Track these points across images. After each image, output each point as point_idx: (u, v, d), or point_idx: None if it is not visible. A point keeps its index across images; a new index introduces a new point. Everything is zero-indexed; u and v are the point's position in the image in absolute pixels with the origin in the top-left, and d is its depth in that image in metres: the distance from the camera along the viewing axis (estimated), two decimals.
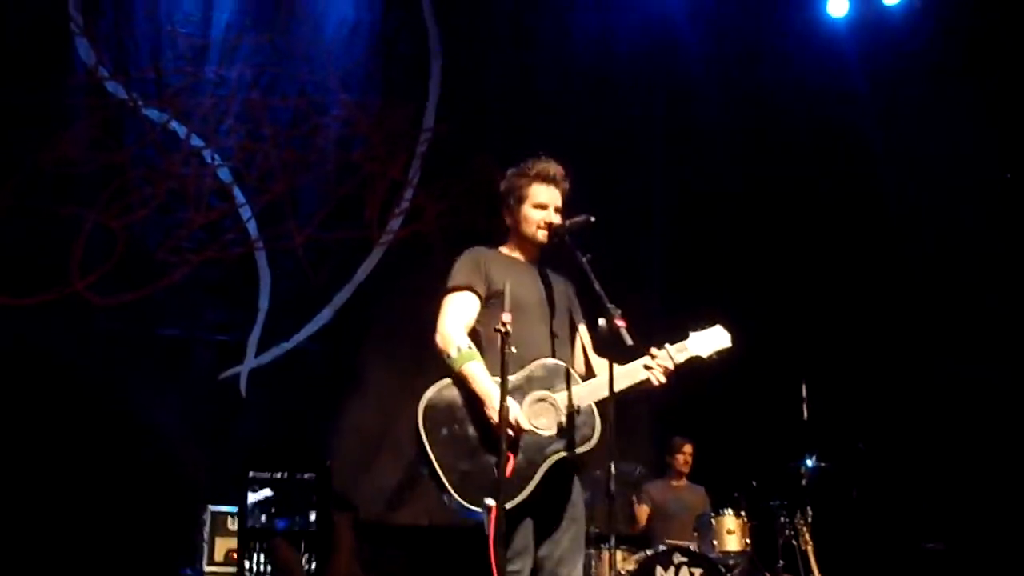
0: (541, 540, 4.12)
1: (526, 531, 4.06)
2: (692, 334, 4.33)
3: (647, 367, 4.18)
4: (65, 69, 7.78)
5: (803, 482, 7.14)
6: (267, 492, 6.67)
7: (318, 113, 8.32)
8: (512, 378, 4.02)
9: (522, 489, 3.96)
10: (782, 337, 8.29)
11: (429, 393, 4.05)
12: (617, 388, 4.04)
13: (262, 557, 6.49)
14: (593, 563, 6.85)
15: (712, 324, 4.38)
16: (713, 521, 7.34)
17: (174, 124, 8.03)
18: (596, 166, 8.01)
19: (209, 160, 8.11)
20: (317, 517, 6.57)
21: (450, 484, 3.92)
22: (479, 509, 3.85)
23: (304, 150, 8.29)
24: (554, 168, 4.40)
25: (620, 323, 3.92)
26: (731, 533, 7.26)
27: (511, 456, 3.90)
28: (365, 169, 8.42)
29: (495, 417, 3.87)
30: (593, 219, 4.31)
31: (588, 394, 4.12)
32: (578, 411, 4.09)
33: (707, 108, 8.72)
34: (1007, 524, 7.50)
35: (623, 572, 6.98)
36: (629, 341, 3.91)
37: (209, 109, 8.12)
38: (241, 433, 7.66)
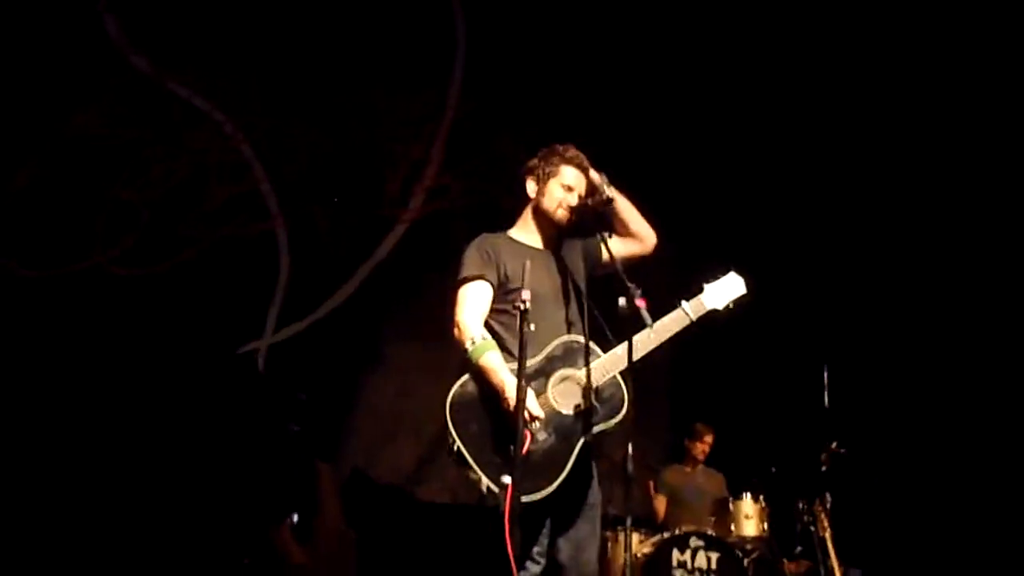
0: (561, 523, 4.15)
1: (547, 515, 4.10)
2: (706, 286, 4.34)
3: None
4: (90, 44, 7.78)
5: (822, 468, 7.10)
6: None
7: (340, 91, 8.29)
8: (532, 361, 4.05)
9: (559, 472, 3.98)
10: (804, 322, 8.23)
11: (452, 391, 4.07)
12: (660, 340, 4.10)
13: None
14: (609, 545, 6.84)
15: (725, 272, 4.39)
16: (731, 506, 7.32)
17: (197, 99, 8.03)
18: (617, 142, 7.95)
19: (232, 135, 8.10)
20: (300, 470, 6.58)
21: (489, 478, 3.94)
22: (524, 497, 3.83)
23: (326, 128, 8.28)
24: (583, 157, 4.44)
25: (640, 303, 3.91)
26: (748, 518, 7.23)
27: (528, 434, 3.91)
28: (387, 148, 8.41)
29: (510, 407, 3.90)
30: (613, 199, 4.33)
31: (612, 365, 4.11)
32: (603, 385, 4.09)
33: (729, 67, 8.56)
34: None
35: (639, 555, 6.96)
36: (649, 321, 3.91)
37: (232, 85, 8.10)
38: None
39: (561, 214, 4.35)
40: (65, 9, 7.67)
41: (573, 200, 4.36)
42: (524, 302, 3.87)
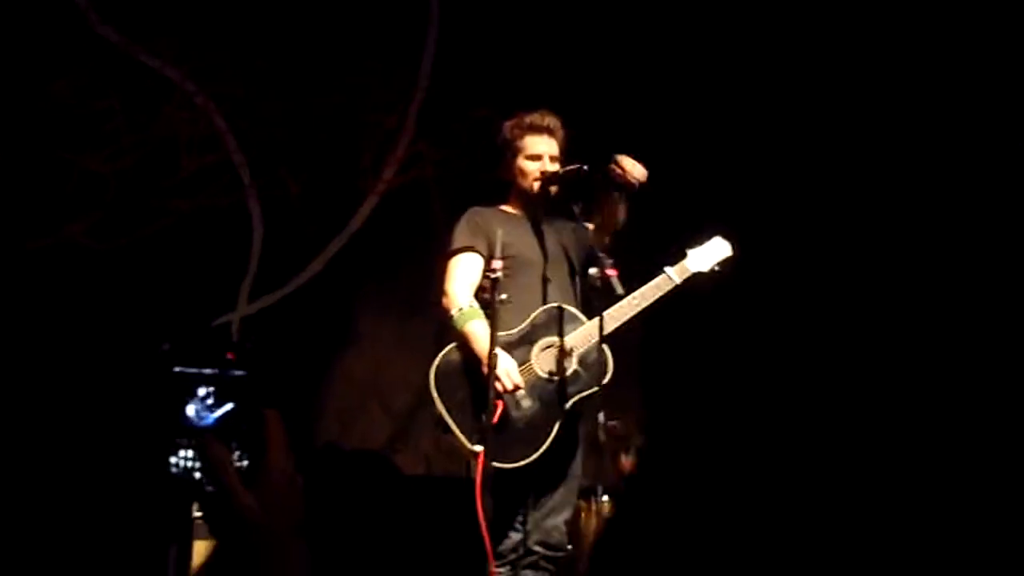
0: (538, 490, 4.20)
1: (530, 483, 4.15)
2: (690, 252, 4.36)
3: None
4: (57, 12, 7.67)
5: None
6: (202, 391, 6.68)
7: (313, 61, 8.21)
8: (516, 329, 4.12)
9: (544, 439, 4.02)
10: (786, 305, 8.20)
11: (437, 360, 4.11)
12: (644, 304, 4.16)
13: (190, 454, 6.52)
14: (582, 515, 6.86)
15: (709, 237, 4.43)
16: None
17: (168, 69, 7.94)
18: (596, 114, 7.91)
19: (203, 106, 8.03)
20: (247, 414, 6.57)
21: (472, 445, 3.97)
22: (508, 465, 3.92)
23: (299, 99, 8.22)
24: (548, 118, 4.42)
25: (611, 272, 3.95)
26: None
27: (500, 404, 3.94)
28: (360, 118, 8.35)
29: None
30: (586, 168, 4.32)
31: (595, 331, 4.10)
32: (587, 351, 4.11)
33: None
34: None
35: None
36: (620, 290, 3.95)
37: (204, 55, 8.02)
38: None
39: (537, 186, 4.34)
40: None
41: (547, 166, 4.34)
42: (495, 271, 3.91)
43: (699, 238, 4.42)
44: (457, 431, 4.00)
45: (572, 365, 4.09)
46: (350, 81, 8.33)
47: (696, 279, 4.33)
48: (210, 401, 6.96)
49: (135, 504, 6.37)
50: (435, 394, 4.05)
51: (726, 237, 4.45)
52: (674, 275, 4.28)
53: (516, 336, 4.11)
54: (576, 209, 4.22)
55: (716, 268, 4.38)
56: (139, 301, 7.56)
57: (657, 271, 4.29)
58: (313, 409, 7.99)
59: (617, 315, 4.12)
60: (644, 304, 4.18)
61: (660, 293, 4.25)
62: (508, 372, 3.98)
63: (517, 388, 3.99)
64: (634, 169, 4.16)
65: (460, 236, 4.31)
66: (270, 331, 8.01)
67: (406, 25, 8.49)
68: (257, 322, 8.06)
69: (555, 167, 4.34)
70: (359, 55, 8.31)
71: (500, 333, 4.02)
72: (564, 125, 4.43)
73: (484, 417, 3.79)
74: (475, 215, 4.36)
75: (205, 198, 7.94)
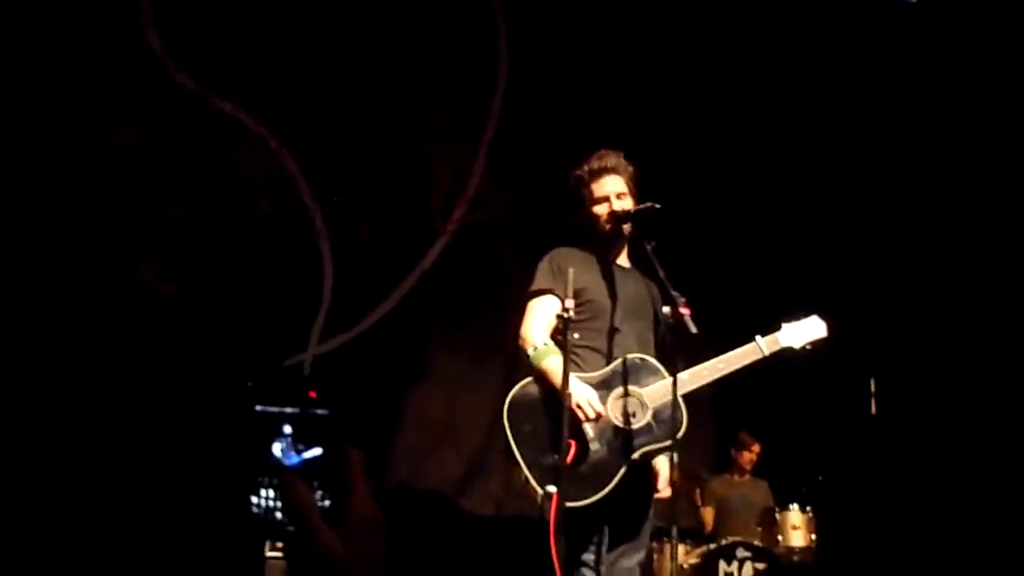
0: (611, 530, 4.14)
1: (600, 524, 4.10)
2: (785, 325, 4.29)
3: None
4: (134, 59, 7.84)
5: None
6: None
7: (382, 102, 8.30)
8: (597, 373, 4.12)
9: (605, 485, 3.98)
10: (853, 331, 8.10)
11: (514, 390, 4.10)
12: (728, 370, 4.14)
13: (271, 493, 6.51)
14: (655, 556, 6.80)
15: (807, 315, 4.34)
16: (778, 516, 7.26)
17: (241, 115, 8.07)
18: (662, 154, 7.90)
19: (276, 150, 8.14)
20: (331, 454, 6.56)
21: (534, 479, 3.95)
22: (568, 503, 3.85)
23: (369, 141, 8.30)
24: (607, 158, 4.41)
25: (684, 311, 3.91)
26: (796, 529, 7.17)
27: (573, 443, 3.92)
28: (430, 158, 8.42)
29: (570, 404, 3.90)
30: (658, 207, 4.30)
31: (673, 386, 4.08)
32: (661, 406, 4.08)
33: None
34: None
35: (686, 566, 6.92)
36: (693, 329, 3.90)
37: (276, 99, 8.14)
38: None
39: (611, 228, 4.35)
40: (110, 26, 7.73)
41: (616, 204, 4.34)
42: (568, 311, 3.93)
43: (797, 313, 4.36)
44: (521, 462, 3.98)
45: (646, 417, 4.07)
46: (420, 123, 8.40)
47: (785, 353, 4.28)
48: (297, 441, 7.00)
49: (211, 544, 6.42)
50: (506, 423, 4.06)
51: (823, 316, 4.37)
52: (764, 346, 4.22)
53: (596, 380, 4.10)
54: (649, 247, 4.19)
55: (808, 347, 4.31)
56: (215, 342, 7.66)
57: (750, 338, 4.25)
58: (385, 448, 8.01)
59: (700, 376, 4.12)
60: (728, 370, 4.15)
61: (746, 361, 4.21)
62: (590, 400, 3.98)
63: (599, 416, 3.98)
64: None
65: (540, 278, 4.33)
66: (343, 370, 8.06)
67: (476, 67, 8.56)
68: (330, 362, 8.11)
69: (625, 203, 4.34)
70: (429, 97, 8.39)
71: (580, 375, 4.05)
72: (627, 158, 4.43)
73: (557, 457, 3.78)
74: (557, 256, 4.36)
75: (278, 240, 8.03)
